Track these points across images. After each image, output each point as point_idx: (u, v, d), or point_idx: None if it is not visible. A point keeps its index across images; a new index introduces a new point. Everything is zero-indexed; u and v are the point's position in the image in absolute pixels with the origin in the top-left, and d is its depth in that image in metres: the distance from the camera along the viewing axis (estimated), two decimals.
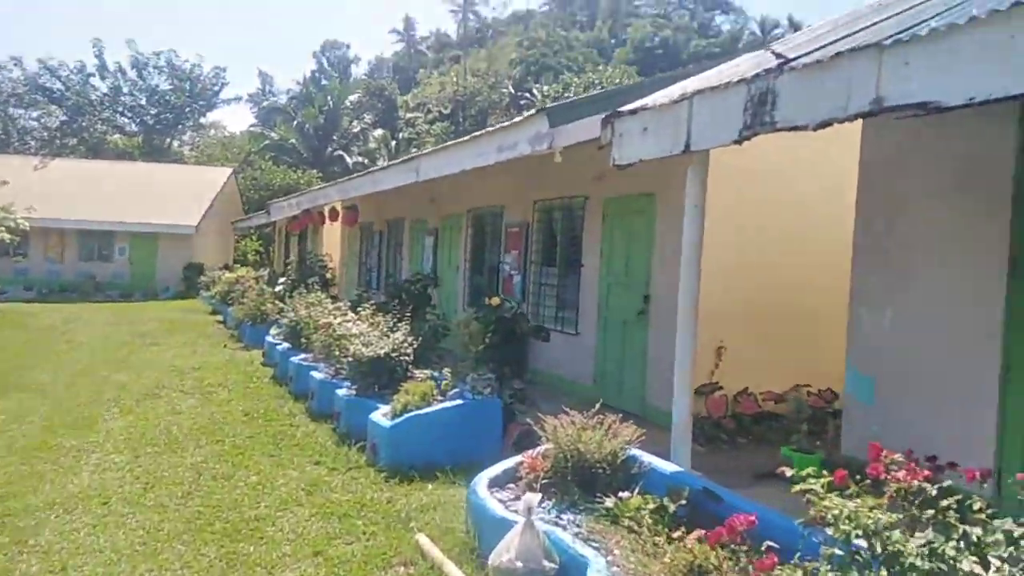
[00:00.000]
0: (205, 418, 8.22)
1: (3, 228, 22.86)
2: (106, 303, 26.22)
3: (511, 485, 4.44)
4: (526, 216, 11.00)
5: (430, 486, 5.63)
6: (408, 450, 6.05)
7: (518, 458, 4.61)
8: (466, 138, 8.74)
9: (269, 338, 12.45)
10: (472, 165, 8.30)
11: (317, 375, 8.76)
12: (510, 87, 60.93)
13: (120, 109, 50.35)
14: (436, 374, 6.93)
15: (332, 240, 20.33)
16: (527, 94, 57.08)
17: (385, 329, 7.95)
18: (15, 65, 48.75)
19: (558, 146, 6.57)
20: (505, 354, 6.68)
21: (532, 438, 6.59)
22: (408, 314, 9.01)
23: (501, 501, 4.21)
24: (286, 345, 11.29)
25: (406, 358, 7.54)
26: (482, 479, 4.46)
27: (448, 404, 6.30)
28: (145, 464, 6.44)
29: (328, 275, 15.08)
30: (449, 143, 8.96)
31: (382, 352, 7.39)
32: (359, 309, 9.64)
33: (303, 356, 10.15)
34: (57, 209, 28.05)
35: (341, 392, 7.69)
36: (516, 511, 3.96)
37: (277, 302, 14.81)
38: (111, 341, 14.97)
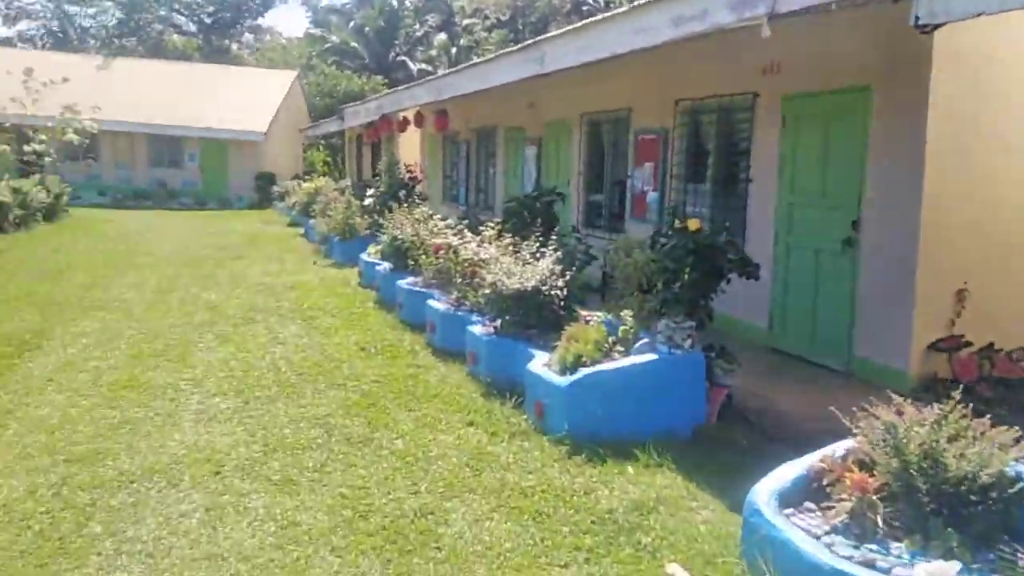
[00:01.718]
0: (315, 351, 7.04)
1: (71, 129, 22.00)
2: (180, 211, 25.56)
3: (810, 505, 3.04)
4: (664, 121, 9.27)
5: (630, 469, 4.30)
6: (590, 416, 4.70)
7: (810, 462, 3.19)
8: (622, 9, 6.89)
9: (366, 257, 11.22)
10: (626, 48, 6.51)
11: (437, 305, 7.46)
12: None
13: (176, 7, 48.82)
14: (609, 317, 5.52)
15: (409, 151, 18.85)
16: (589, 0, 53.60)
17: (527, 256, 6.52)
18: None
19: (782, 8, 4.70)
20: (699, 294, 5.23)
21: (738, 408, 5.25)
22: (538, 237, 7.57)
23: (811, 534, 2.82)
24: (387, 266, 10.04)
25: (558, 292, 6.14)
26: (765, 493, 3.07)
27: (638, 359, 4.90)
28: (257, 415, 5.27)
29: (418, 188, 13.67)
30: (590, 21, 7.16)
31: (530, 285, 5.98)
32: (481, 229, 8.22)
33: (411, 280, 8.87)
34: (123, 111, 27.05)
35: (477, 330, 6.36)
36: (853, 558, 2.59)
37: (367, 216, 13.58)
38: (192, 254, 14.02)
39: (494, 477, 4.21)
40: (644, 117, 9.73)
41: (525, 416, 5.14)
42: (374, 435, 4.86)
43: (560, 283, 6.19)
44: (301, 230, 18.86)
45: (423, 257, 8.78)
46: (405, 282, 8.78)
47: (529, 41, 8.04)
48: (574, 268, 6.47)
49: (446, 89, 11.07)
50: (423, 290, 8.35)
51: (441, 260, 7.93)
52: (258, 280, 11.19)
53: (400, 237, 9.49)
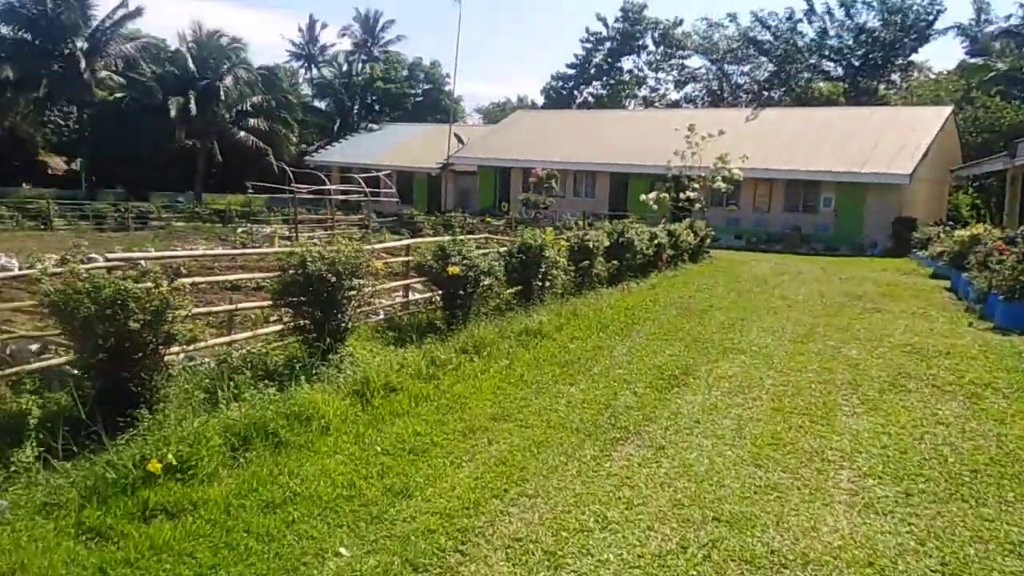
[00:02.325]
0: (990, 443, 5.58)
1: (719, 177, 23.93)
2: (810, 256, 25.42)
3: None
4: None
5: None
6: None
7: None
8: None
9: None
10: None
11: None
12: None
13: (826, 53, 49.28)
14: None
15: None
16: None
17: None
18: (730, 21, 52.53)
19: None
20: None
21: None
22: None
23: None
24: None
25: None
26: None
27: None
28: (925, 517, 4.25)
29: None
30: None
31: None
32: None
33: None
34: (765, 159, 28.34)
35: None
36: None
37: None
38: (826, 301, 13.43)
39: None
40: None
41: None
42: None
43: None
44: (947, 284, 16.52)
45: None
46: None
47: None
48: None
49: None
50: None
51: None
52: (902, 339, 9.89)
53: None
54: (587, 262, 13.02)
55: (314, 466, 4.38)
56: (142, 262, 5.34)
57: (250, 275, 9.01)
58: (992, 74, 38.68)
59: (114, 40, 41.15)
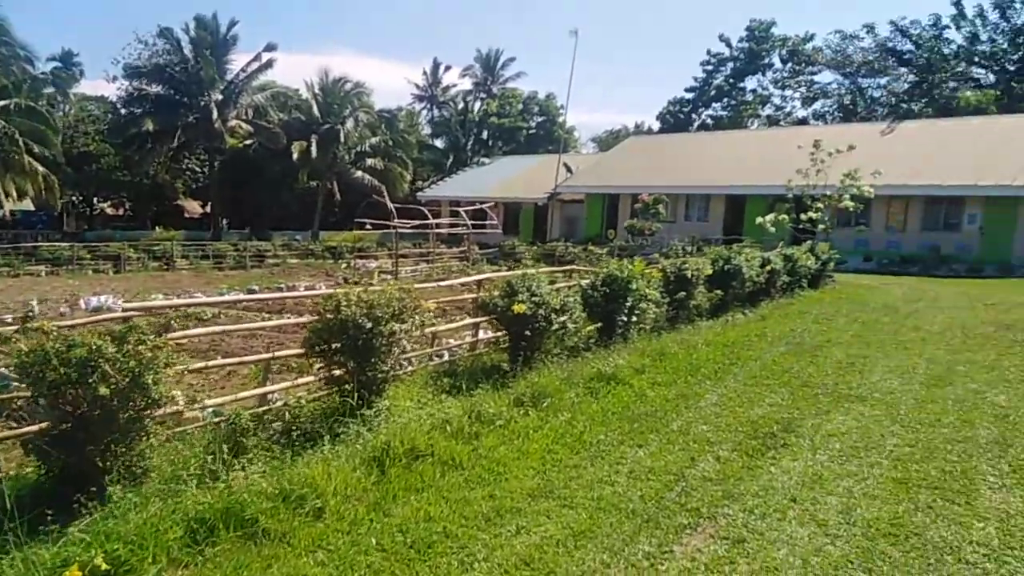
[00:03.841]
0: None
1: (847, 196, 21.88)
2: (950, 279, 22.75)
3: None
4: None
5: None
6: None
7: None
8: None
9: None
10: None
11: None
12: None
13: (976, 59, 45.06)
14: None
15: None
16: None
17: None
18: (867, 33, 49.17)
19: None
20: None
21: None
22: None
23: None
24: None
25: None
26: None
27: None
28: None
29: None
30: None
31: None
32: None
33: None
34: (901, 174, 25.84)
35: None
36: None
37: None
38: (968, 332, 11.53)
39: None
40: None
41: None
42: None
43: None
44: None
45: None
46: None
47: None
48: None
49: None
50: None
51: None
52: None
53: None
54: (683, 293, 11.80)
55: (283, 569, 3.57)
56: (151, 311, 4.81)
57: (284, 320, 8.49)
58: None
59: (246, 91, 43.61)
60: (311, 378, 6.32)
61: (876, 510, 4.58)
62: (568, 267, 14.10)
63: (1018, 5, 42.55)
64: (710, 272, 13.29)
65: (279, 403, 6.32)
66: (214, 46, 41.73)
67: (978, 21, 44.27)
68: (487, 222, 33.86)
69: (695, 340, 10.54)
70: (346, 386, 6.04)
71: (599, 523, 4.34)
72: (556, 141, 53.01)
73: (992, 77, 45.09)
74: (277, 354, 6.54)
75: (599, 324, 9.79)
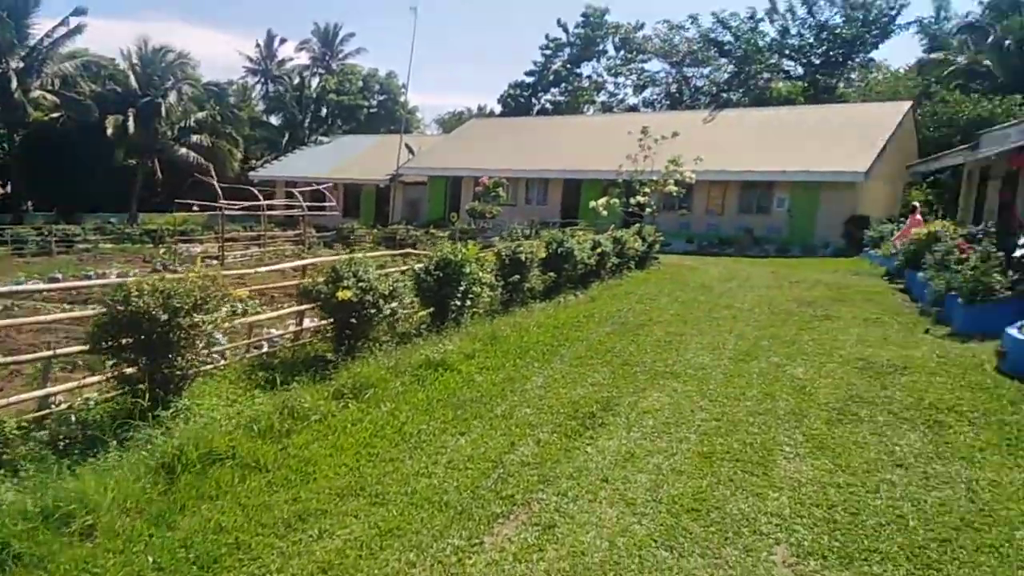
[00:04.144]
0: (959, 495, 4.53)
1: (672, 181, 23.08)
2: (762, 258, 24.65)
3: None
4: None
5: None
6: None
7: None
8: None
9: (1017, 333, 7.94)
10: None
11: None
12: None
13: (787, 52, 48.93)
14: None
15: None
16: None
17: None
18: (692, 23, 52.07)
19: None
20: None
21: None
22: None
23: None
24: None
25: None
26: None
27: None
28: None
29: None
30: None
31: None
32: None
33: None
34: (720, 160, 27.60)
35: None
36: None
37: (1011, 273, 10.01)
38: (774, 309, 12.46)
39: None
40: None
41: None
42: None
43: None
44: (900, 285, 15.73)
45: None
46: None
47: None
48: None
49: None
50: None
51: None
52: (854, 352, 8.92)
53: None
54: (517, 276, 11.89)
55: None
56: None
57: (84, 312, 7.64)
58: (951, 69, 38.53)
59: (52, 59, 39.09)
60: (98, 378, 5.68)
61: (682, 486, 4.75)
62: (403, 251, 13.80)
63: (823, 2, 46.64)
64: (544, 255, 13.50)
65: (63, 406, 5.64)
66: (12, 7, 37.05)
67: (788, 16, 48.03)
68: (326, 204, 32.70)
69: (527, 323, 10.63)
70: (140, 385, 5.48)
71: (410, 519, 4.17)
72: (398, 121, 52.11)
73: (800, 69, 49.15)
74: (58, 351, 5.83)
75: (432, 309, 9.62)
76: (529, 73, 61.37)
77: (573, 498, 4.52)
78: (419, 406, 6.33)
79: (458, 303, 9.85)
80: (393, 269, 9.80)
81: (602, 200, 23.43)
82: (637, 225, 20.38)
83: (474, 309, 10.29)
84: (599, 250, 15.75)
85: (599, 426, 6.02)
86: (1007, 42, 36.66)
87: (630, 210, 24.17)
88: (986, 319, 9.72)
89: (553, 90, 61.18)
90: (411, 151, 38.31)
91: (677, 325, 10.91)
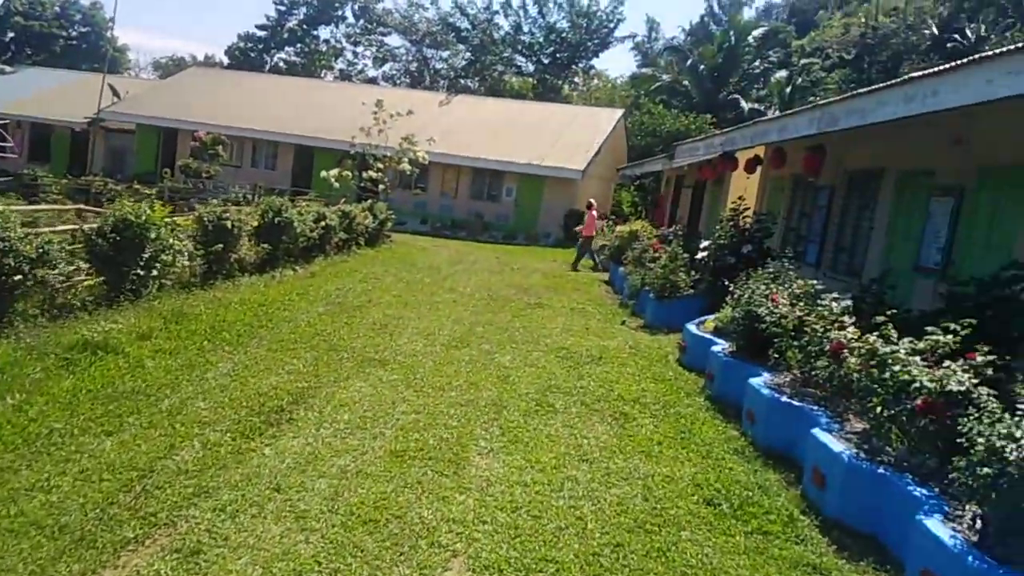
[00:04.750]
0: (637, 493, 4.63)
1: (406, 159, 22.73)
2: (490, 243, 25.38)
3: None
4: None
5: None
6: None
7: None
8: None
9: (695, 329, 8.70)
10: None
11: (835, 444, 4.65)
12: (933, 28, 49.79)
13: (519, 48, 50.98)
14: None
15: (734, 197, 15.97)
16: (955, 36, 46.10)
17: None
18: (431, 3, 52.24)
19: None
20: None
21: None
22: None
23: None
24: (726, 347, 7.44)
25: None
26: None
27: None
28: None
29: (766, 245, 10.85)
30: None
31: None
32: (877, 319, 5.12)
33: (771, 381, 6.17)
34: (455, 145, 27.92)
35: (942, 532, 3.45)
36: None
37: (694, 272, 11.10)
38: (493, 294, 12.64)
39: None
40: None
41: None
42: None
43: None
44: (606, 276, 17.01)
45: (794, 352, 6.09)
46: (764, 384, 6.08)
47: None
48: None
49: (847, 117, 8.04)
50: (797, 404, 5.61)
51: (848, 368, 5.08)
52: (558, 341, 9.22)
53: (760, 313, 6.77)
54: (221, 246, 10.66)
55: None
56: None
57: None
58: (658, 84, 42.97)
59: None
60: None
61: (365, 491, 4.30)
62: (76, 207, 11.72)
63: (552, 4, 49.25)
64: (257, 224, 12.35)
65: None
66: None
67: (521, 13, 50.11)
68: (5, 144, 27.51)
69: (230, 299, 9.56)
70: None
71: (4, 553, 3.22)
72: (103, 58, 45.57)
73: (531, 67, 51.64)
74: None
75: (104, 279, 8.17)
76: (261, 27, 57.48)
77: (232, 514, 3.85)
78: (60, 399, 5.16)
79: (141, 272, 8.49)
80: (54, 229, 8.15)
81: (333, 171, 22.38)
82: (369, 201, 19.76)
83: (162, 280, 8.97)
84: (323, 223, 14.86)
85: (286, 422, 5.37)
86: (701, 67, 41.84)
87: (363, 185, 23.42)
88: (672, 314, 10.65)
89: (288, 48, 58.00)
90: (116, 94, 33.57)
91: (397, 307, 10.53)
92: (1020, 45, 4.99)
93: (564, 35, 49.06)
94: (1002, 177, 8.24)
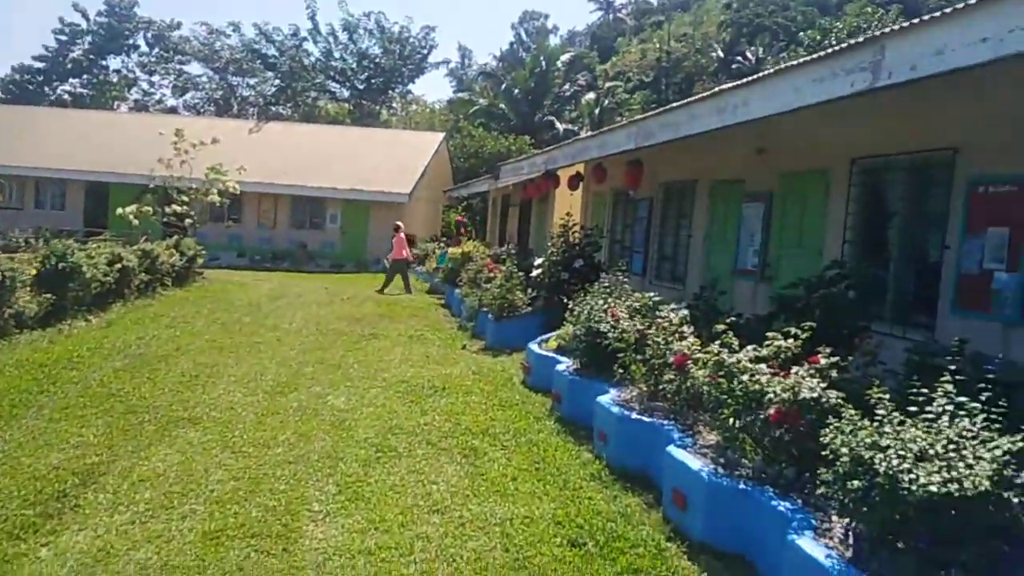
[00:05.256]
0: (495, 540, 4.17)
1: (214, 190, 21.06)
2: (316, 273, 24.17)
3: None
4: None
5: None
6: None
7: None
8: None
9: (537, 348, 8.46)
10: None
11: (692, 461, 4.47)
12: (719, 51, 54.84)
13: (332, 74, 49.62)
14: None
15: (561, 213, 16.26)
16: (738, 58, 51.03)
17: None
18: (233, 31, 49.63)
19: None
20: None
21: None
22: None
23: None
24: (571, 365, 7.23)
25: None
26: None
27: None
28: None
29: (596, 258, 10.92)
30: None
31: (985, 491, 2.85)
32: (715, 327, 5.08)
33: (619, 398, 5.99)
34: (270, 173, 26.46)
35: (817, 553, 3.28)
36: None
37: (532, 290, 10.96)
38: (322, 328, 11.78)
39: None
40: (994, 159, 6.29)
41: None
42: None
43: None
44: (442, 299, 16.61)
45: (639, 366, 5.96)
46: (613, 402, 5.88)
47: (857, 40, 4.84)
48: None
49: (662, 131, 8.14)
50: (648, 420, 5.44)
51: (693, 380, 4.94)
52: (397, 373, 8.64)
53: (601, 329, 6.60)
54: None
55: None
56: None
57: None
58: (475, 108, 43.46)
59: None
60: None
61: None
62: None
63: (362, 31, 48.41)
64: (36, 272, 10.73)
65: None
66: None
67: (331, 39, 48.76)
68: None
69: (3, 361, 8.10)
70: None
71: None
72: None
73: (346, 92, 50.44)
74: None
75: None
76: (39, 58, 52.31)
77: None
78: None
79: None
80: None
81: (131, 207, 20.25)
82: (175, 237, 18.04)
83: None
84: (119, 265, 13.23)
85: (70, 511, 4.40)
86: (516, 91, 42.93)
87: (168, 220, 21.42)
88: (513, 334, 10.41)
89: (73, 80, 52.99)
90: None
91: (211, 354, 9.44)
92: (820, 55, 5.16)
93: (377, 61, 48.40)
94: (799, 182, 8.76)
